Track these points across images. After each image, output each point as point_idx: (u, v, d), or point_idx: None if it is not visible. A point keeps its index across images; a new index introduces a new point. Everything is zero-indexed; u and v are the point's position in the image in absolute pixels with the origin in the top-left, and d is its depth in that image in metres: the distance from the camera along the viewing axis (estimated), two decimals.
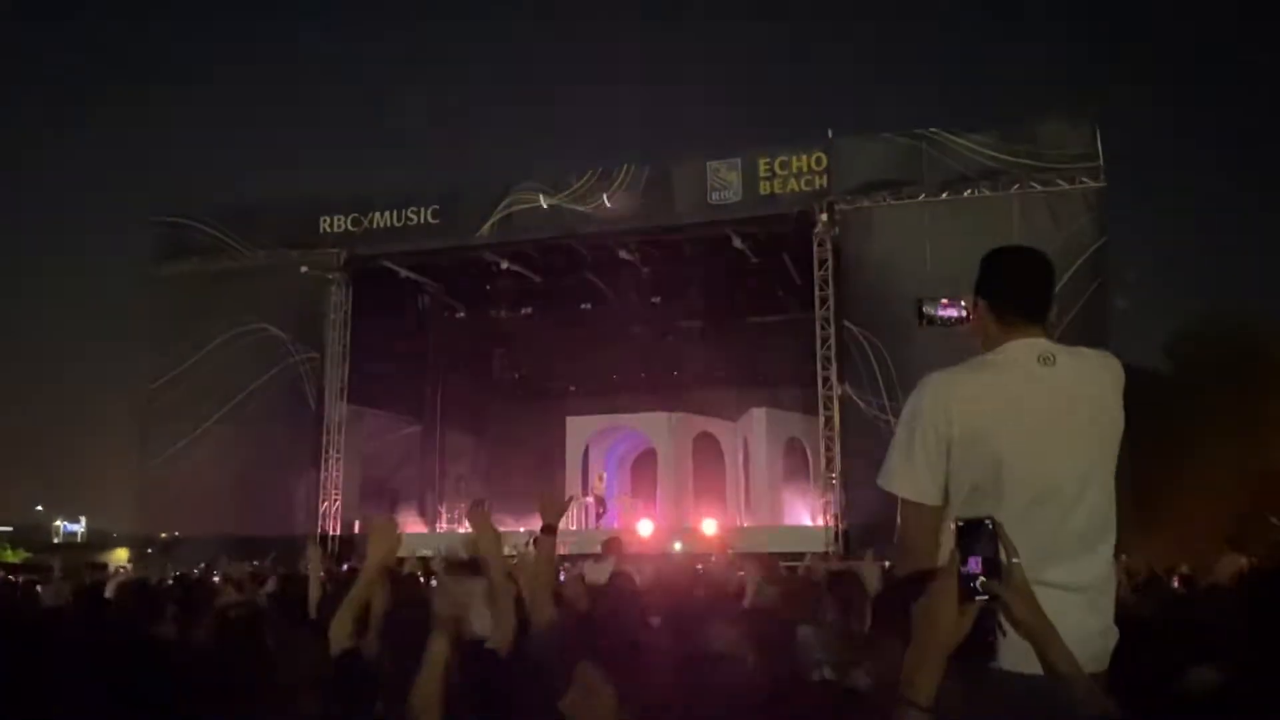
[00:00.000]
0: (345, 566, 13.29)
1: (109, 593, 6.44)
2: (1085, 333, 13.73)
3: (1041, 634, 1.57)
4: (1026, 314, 2.27)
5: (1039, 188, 16.95)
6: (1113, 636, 2.17)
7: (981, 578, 1.56)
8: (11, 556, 26.15)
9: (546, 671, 2.42)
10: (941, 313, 2.49)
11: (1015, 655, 1.91)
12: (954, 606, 1.54)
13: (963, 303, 2.46)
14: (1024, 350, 2.22)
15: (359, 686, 2.61)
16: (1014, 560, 1.57)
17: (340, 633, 2.95)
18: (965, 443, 2.15)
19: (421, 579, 7.26)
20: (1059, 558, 2.10)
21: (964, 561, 1.58)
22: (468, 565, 3.32)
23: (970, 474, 2.16)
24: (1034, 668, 1.91)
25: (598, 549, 8.61)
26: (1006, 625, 1.63)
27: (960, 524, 1.62)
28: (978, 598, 1.56)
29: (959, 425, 2.16)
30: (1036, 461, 2.13)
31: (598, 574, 6.85)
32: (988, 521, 1.61)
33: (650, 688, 2.40)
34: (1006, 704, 1.83)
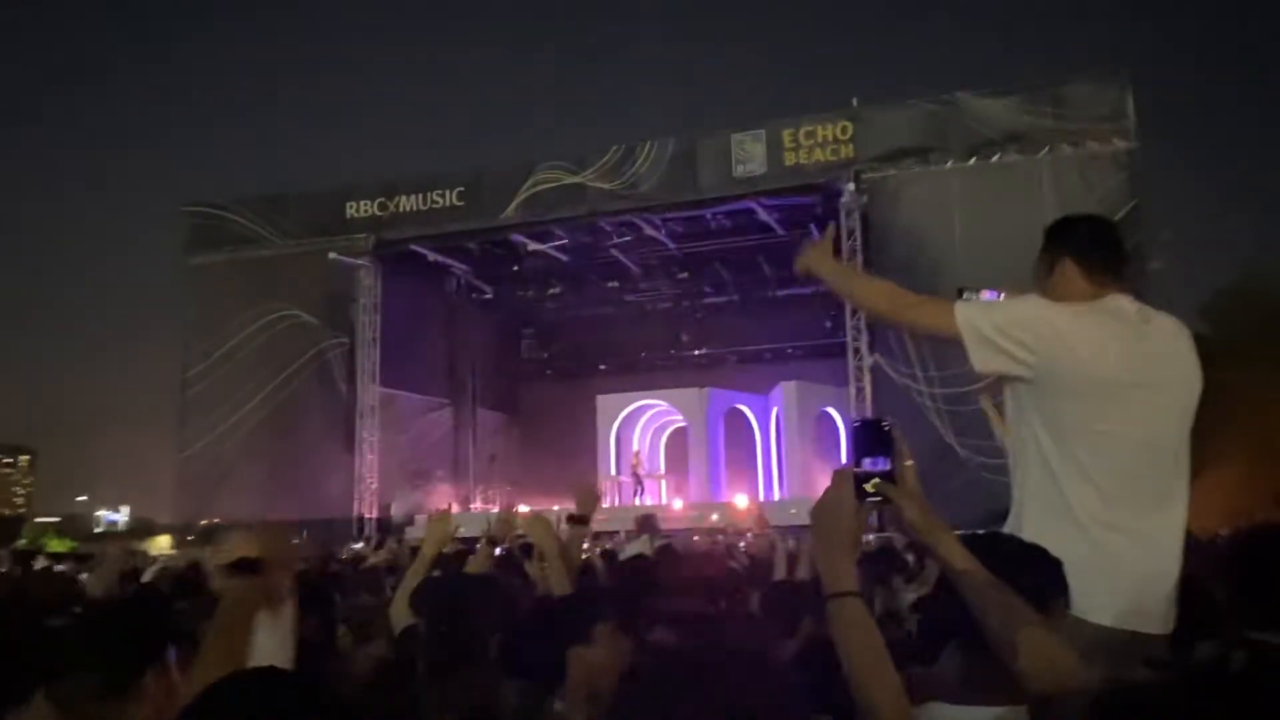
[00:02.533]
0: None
1: (148, 576, 6.53)
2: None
3: (932, 534, 1.60)
4: (1116, 272, 2.30)
5: (1069, 149, 16.70)
6: (1176, 598, 2.18)
7: (875, 479, 1.58)
8: (58, 545, 26.65)
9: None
10: (983, 299, 2.50)
11: (1087, 604, 1.94)
12: (850, 506, 1.57)
13: (1002, 295, 2.48)
14: (1125, 304, 2.25)
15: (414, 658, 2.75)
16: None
17: (400, 612, 3.14)
18: (1074, 378, 2.14)
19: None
20: (1150, 508, 2.14)
21: (859, 462, 1.59)
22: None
23: (1074, 411, 2.15)
24: (1102, 618, 1.98)
25: (631, 526, 8.64)
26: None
27: (857, 424, 1.63)
28: (869, 499, 1.57)
29: (1072, 357, 2.15)
30: (1145, 409, 2.16)
31: (634, 549, 6.90)
32: (885, 423, 1.62)
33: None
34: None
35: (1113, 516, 2.10)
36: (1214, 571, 2.27)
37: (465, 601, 2.76)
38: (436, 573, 3.50)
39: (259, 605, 1.78)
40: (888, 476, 1.58)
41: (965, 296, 2.52)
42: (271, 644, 1.79)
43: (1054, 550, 1.98)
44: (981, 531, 1.71)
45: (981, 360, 2.19)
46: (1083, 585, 1.96)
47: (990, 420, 3.89)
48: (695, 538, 13.50)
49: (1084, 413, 2.14)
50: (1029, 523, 2.17)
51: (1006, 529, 2.18)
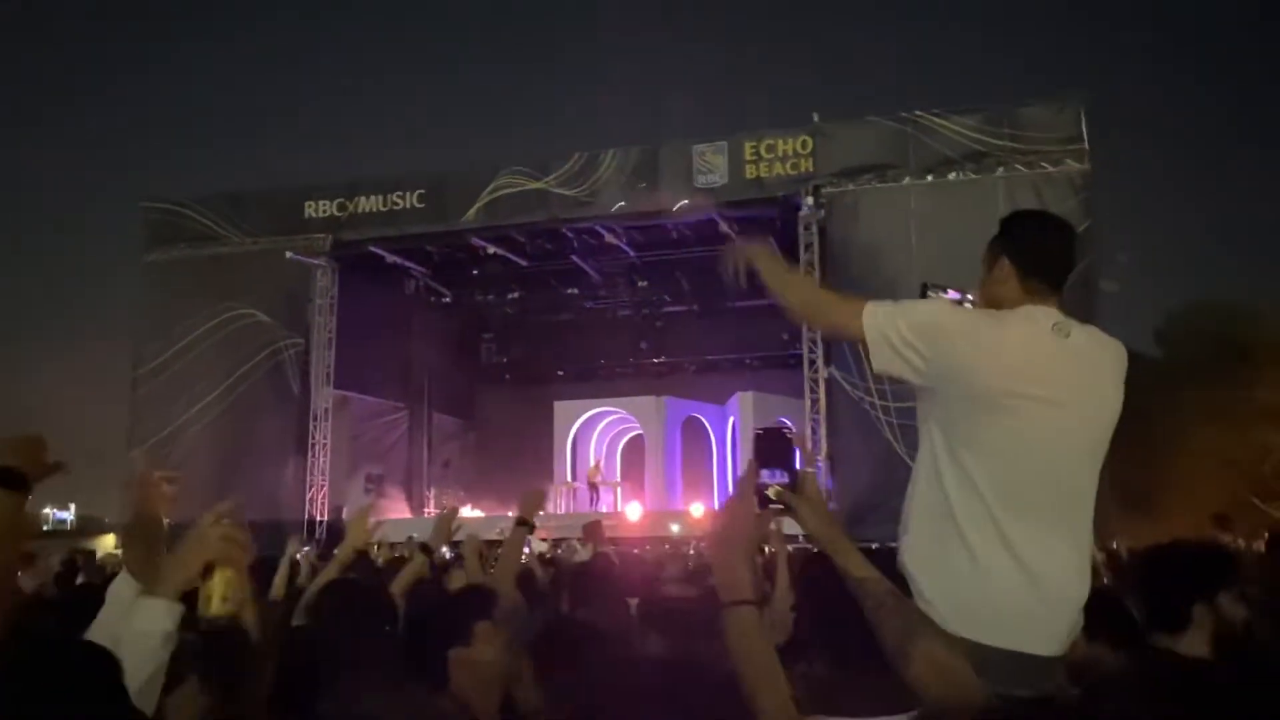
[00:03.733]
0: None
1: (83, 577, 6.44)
2: (1074, 316, 13.76)
3: (831, 541, 1.62)
4: (1050, 281, 2.22)
5: (1024, 170, 16.99)
6: (1080, 620, 2.14)
7: (776, 486, 1.59)
8: None
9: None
10: (946, 296, 2.44)
11: (967, 620, 1.91)
12: (751, 514, 1.58)
13: (970, 297, 2.40)
14: (1041, 315, 2.16)
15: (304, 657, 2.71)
16: (809, 470, 1.61)
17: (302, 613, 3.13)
18: (975, 388, 2.07)
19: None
20: (1044, 528, 2.05)
21: (760, 470, 1.60)
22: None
23: (974, 424, 2.08)
24: (981, 636, 1.91)
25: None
26: None
27: (759, 432, 1.63)
28: (771, 506, 1.59)
29: (972, 366, 2.08)
30: (1044, 425, 2.07)
31: (580, 557, 6.93)
32: (786, 430, 1.64)
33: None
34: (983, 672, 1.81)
35: (999, 533, 2.01)
36: (1126, 587, 2.32)
37: (353, 604, 2.74)
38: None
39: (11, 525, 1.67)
40: (789, 484, 1.59)
41: (930, 293, 2.46)
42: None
43: (936, 564, 1.97)
44: (875, 546, 1.72)
45: (880, 361, 2.13)
46: (963, 601, 1.94)
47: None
48: (647, 547, 13.52)
49: (976, 423, 2.06)
50: (914, 534, 2.09)
51: (897, 540, 2.11)
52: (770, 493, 1.59)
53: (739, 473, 1.65)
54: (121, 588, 1.85)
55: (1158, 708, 1.52)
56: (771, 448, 1.61)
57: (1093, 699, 1.88)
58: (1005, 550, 2.00)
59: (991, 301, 2.27)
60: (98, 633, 1.72)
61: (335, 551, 3.60)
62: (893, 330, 2.12)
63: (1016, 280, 2.22)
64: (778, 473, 1.60)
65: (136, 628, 1.64)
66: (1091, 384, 2.15)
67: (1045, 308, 2.19)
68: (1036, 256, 2.23)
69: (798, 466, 1.60)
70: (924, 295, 2.44)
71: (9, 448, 1.72)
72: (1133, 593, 2.22)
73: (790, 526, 1.66)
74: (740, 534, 1.58)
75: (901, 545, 2.08)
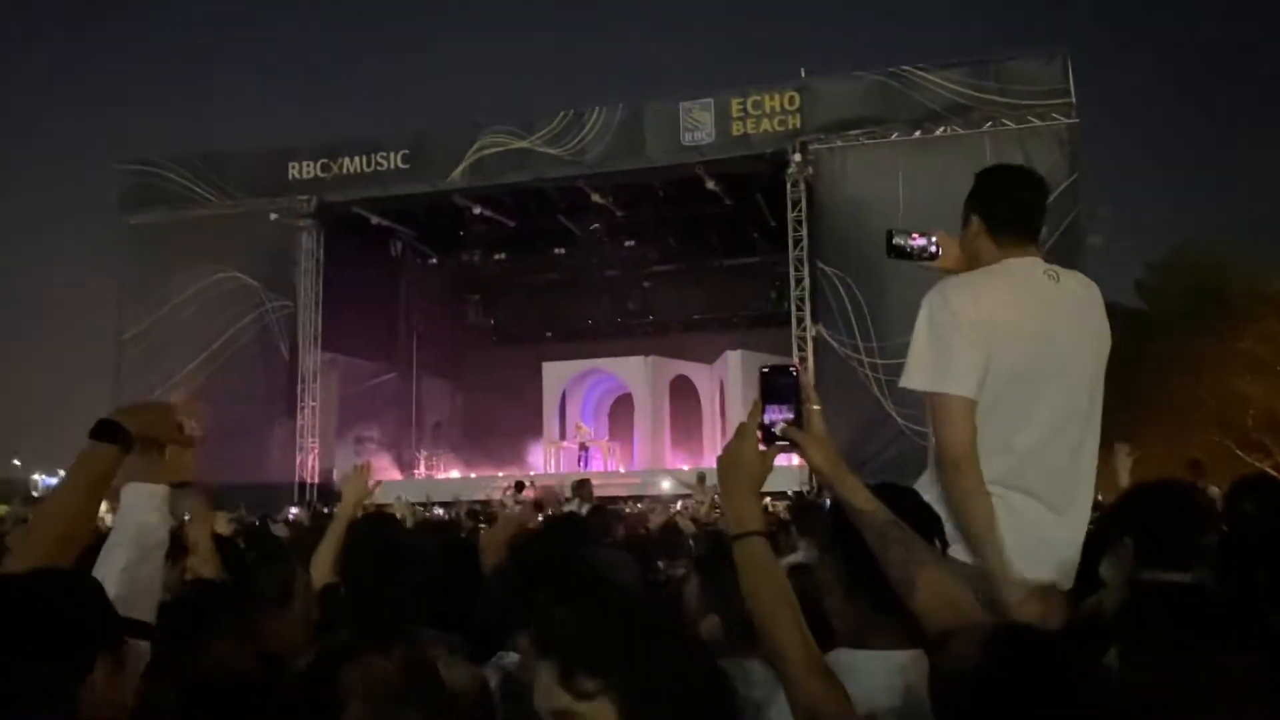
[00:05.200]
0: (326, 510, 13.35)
1: None
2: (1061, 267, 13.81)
3: (837, 477, 1.63)
4: (1022, 233, 2.28)
5: (1011, 124, 16.95)
6: (1077, 560, 2.23)
7: (782, 423, 1.62)
8: None
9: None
10: (911, 243, 2.47)
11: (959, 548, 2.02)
12: (756, 450, 1.61)
13: (934, 237, 2.44)
14: (1030, 266, 2.24)
15: (337, 616, 2.76)
16: (814, 408, 1.63)
17: (321, 569, 3.14)
18: (998, 340, 2.15)
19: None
20: (1058, 468, 2.16)
21: (765, 408, 1.63)
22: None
23: (1000, 370, 2.15)
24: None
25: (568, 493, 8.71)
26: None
27: (765, 370, 1.66)
28: (777, 443, 1.62)
29: (990, 322, 2.15)
30: (1053, 369, 2.17)
31: (572, 508, 7.04)
32: (792, 368, 1.66)
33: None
34: None
35: (1011, 479, 2.12)
36: (1116, 525, 2.38)
37: (391, 559, 2.80)
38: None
39: (107, 479, 1.75)
40: (794, 421, 1.62)
41: (894, 240, 2.50)
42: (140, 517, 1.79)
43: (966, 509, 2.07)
44: (886, 483, 1.76)
45: (969, 386, 2.13)
46: (993, 542, 2.06)
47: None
48: (639, 505, 13.62)
49: (996, 379, 2.15)
50: (931, 478, 2.20)
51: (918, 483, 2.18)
52: (778, 429, 1.61)
53: (730, 434, 1.68)
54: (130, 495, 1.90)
55: (1171, 630, 1.57)
56: (777, 385, 1.63)
57: (1103, 629, 1.95)
58: (1019, 493, 2.13)
59: (971, 257, 2.35)
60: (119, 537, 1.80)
61: (335, 510, 3.62)
62: (947, 360, 2.15)
63: (987, 236, 2.29)
64: (783, 409, 1.62)
65: (131, 518, 1.79)
66: (1085, 325, 2.25)
67: (1029, 258, 2.25)
68: (1004, 212, 2.29)
69: (803, 405, 1.62)
70: (889, 244, 2.49)
71: (138, 413, 1.83)
72: (1125, 532, 2.29)
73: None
74: (746, 468, 1.61)
75: (921, 485, 2.16)
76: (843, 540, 1.65)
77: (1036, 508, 2.12)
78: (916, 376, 2.19)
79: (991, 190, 2.34)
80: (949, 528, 1.97)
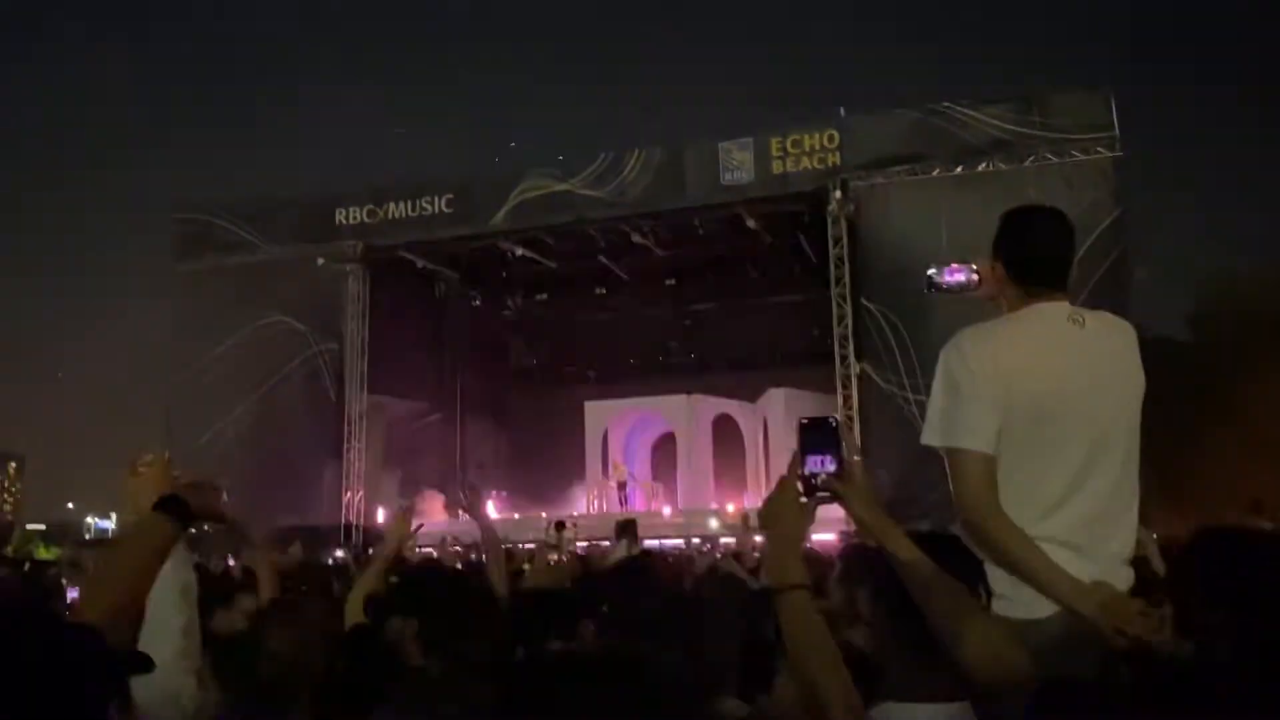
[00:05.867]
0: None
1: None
2: (1105, 303, 13.55)
3: (880, 529, 1.62)
4: (1048, 279, 2.23)
5: (1054, 159, 16.82)
6: None
7: (824, 475, 1.61)
8: (45, 554, 26.43)
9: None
10: (949, 278, 2.45)
11: (1019, 606, 1.98)
12: (798, 503, 1.61)
13: (973, 267, 2.41)
14: (1052, 311, 2.20)
15: (370, 655, 2.79)
16: (855, 458, 1.63)
17: (354, 610, 3.15)
18: (1016, 390, 2.11)
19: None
20: (1090, 515, 2.11)
21: (805, 460, 1.63)
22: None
23: (1019, 420, 2.12)
24: (1038, 612, 1.98)
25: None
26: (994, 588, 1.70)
27: (804, 422, 1.66)
28: (819, 494, 1.61)
29: (1007, 372, 2.12)
30: (1076, 417, 2.12)
31: (617, 555, 6.96)
32: (831, 420, 1.66)
33: None
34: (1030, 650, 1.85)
35: (1037, 528, 2.07)
36: (1177, 573, 2.30)
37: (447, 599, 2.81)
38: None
39: (166, 548, 1.79)
40: (835, 471, 1.62)
41: (932, 275, 2.48)
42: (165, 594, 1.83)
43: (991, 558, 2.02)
44: (924, 529, 1.74)
45: (985, 441, 2.10)
46: (1011, 587, 2.01)
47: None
48: (680, 546, 13.51)
49: (1013, 425, 2.11)
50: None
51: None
52: (819, 481, 1.61)
53: (774, 473, 1.69)
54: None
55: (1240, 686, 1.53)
56: (816, 436, 1.64)
57: (1162, 682, 1.90)
58: (1051, 544, 2.06)
59: (1001, 302, 2.31)
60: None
61: (376, 551, 3.67)
62: (962, 417, 2.13)
63: (1013, 284, 2.26)
64: (824, 460, 1.62)
65: (173, 580, 1.84)
66: (1113, 370, 2.19)
67: (1054, 303, 2.21)
68: (1025, 260, 2.26)
69: (844, 455, 1.62)
70: (928, 280, 2.47)
71: (189, 486, 1.88)
72: (1190, 579, 2.22)
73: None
74: (787, 522, 1.61)
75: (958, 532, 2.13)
76: (887, 591, 1.64)
77: (1067, 556, 2.07)
78: (932, 433, 2.17)
79: (1015, 234, 2.30)
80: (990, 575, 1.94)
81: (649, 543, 10.94)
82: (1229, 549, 2.15)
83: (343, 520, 19.85)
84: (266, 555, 3.98)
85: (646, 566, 3.91)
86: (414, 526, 3.73)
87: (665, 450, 23.41)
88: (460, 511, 23.02)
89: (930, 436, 2.17)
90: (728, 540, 13.43)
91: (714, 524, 18.26)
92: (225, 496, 1.97)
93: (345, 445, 20.34)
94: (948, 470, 2.16)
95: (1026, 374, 2.13)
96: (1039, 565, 2.02)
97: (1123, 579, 2.12)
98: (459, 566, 9.10)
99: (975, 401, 2.11)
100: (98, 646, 1.43)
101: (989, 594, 1.74)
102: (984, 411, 2.10)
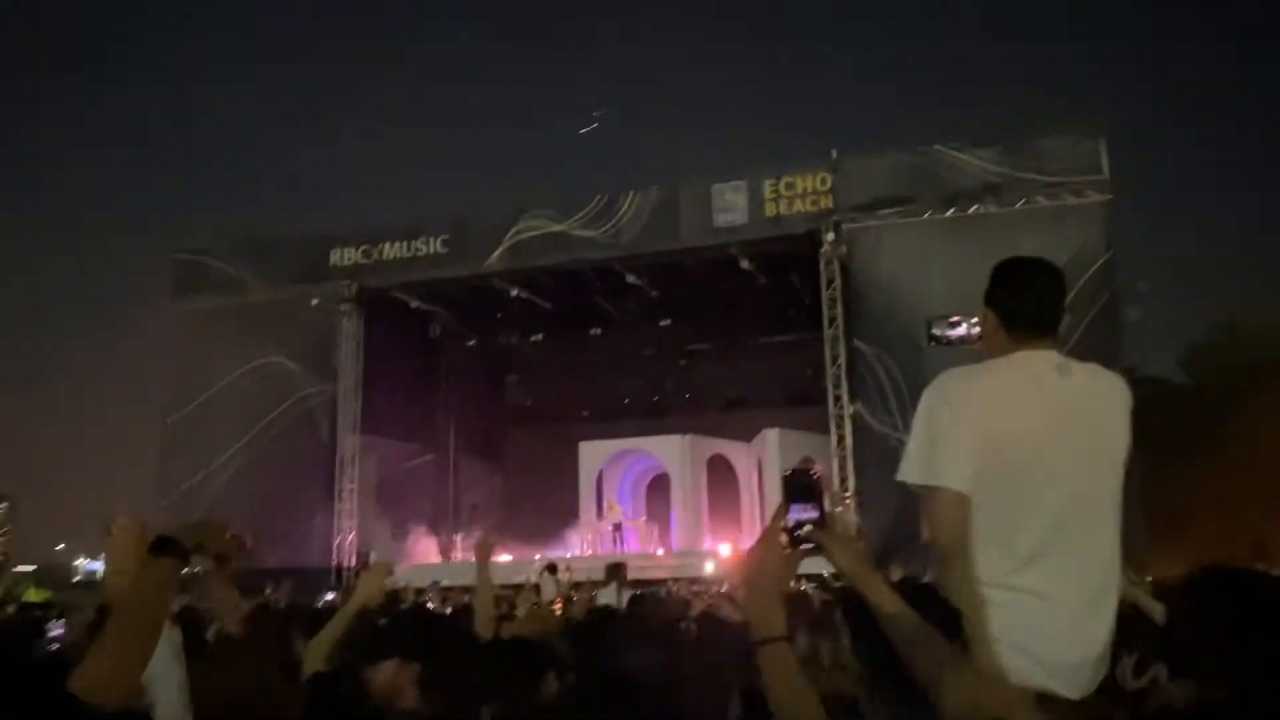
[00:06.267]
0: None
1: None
2: (1098, 345, 13.70)
3: (863, 580, 1.63)
4: (1036, 327, 2.26)
5: (1045, 202, 16.97)
6: (1103, 665, 2.14)
7: (808, 526, 1.62)
8: (34, 595, 26.15)
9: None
10: (950, 332, 2.50)
11: (1008, 671, 1.97)
12: (780, 554, 1.62)
13: (974, 319, 2.46)
14: (1038, 360, 2.22)
15: (328, 705, 2.78)
16: (838, 509, 1.63)
17: (313, 658, 3.14)
18: (996, 434, 2.12)
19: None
20: (1062, 568, 2.09)
21: (789, 511, 1.63)
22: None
23: (996, 466, 2.12)
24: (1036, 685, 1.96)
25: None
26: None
27: (786, 474, 1.66)
28: (803, 546, 1.62)
29: (988, 416, 2.14)
30: (1053, 467, 2.12)
31: (605, 597, 6.92)
32: (813, 471, 1.67)
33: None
34: None
35: (1012, 578, 2.07)
36: (1176, 616, 2.29)
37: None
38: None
39: (168, 593, 1.81)
40: (818, 522, 1.62)
41: (933, 330, 2.52)
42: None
43: (961, 603, 2.01)
44: (904, 578, 1.75)
45: (960, 479, 2.12)
46: (986, 639, 2.00)
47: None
48: (673, 589, 13.41)
49: (993, 473, 2.11)
50: (938, 576, 2.16)
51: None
52: (803, 533, 1.62)
53: (769, 513, 1.69)
54: None
55: None
56: (799, 487, 1.65)
57: None
58: (1024, 594, 2.06)
59: (990, 351, 2.33)
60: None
61: (343, 604, 3.62)
62: (938, 455, 2.15)
63: (1003, 333, 2.29)
64: (807, 510, 1.63)
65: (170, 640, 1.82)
66: (1097, 422, 2.19)
67: (1041, 352, 2.23)
68: (1016, 310, 2.29)
69: (826, 506, 1.63)
70: (928, 334, 2.50)
71: (195, 528, 1.92)
72: (1190, 622, 2.20)
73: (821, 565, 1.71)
74: (770, 573, 1.63)
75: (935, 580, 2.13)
76: (868, 640, 1.65)
77: (1041, 607, 2.06)
78: (910, 469, 2.19)
79: (1005, 285, 2.33)
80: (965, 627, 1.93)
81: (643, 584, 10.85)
82: (1229, 592, 2.15)
83: (334, 562, 19.70)
84: (228, 595, 3.91)
85: (631, 616, 3.88)
86: (387, 583, 3.68)
87: (660, 491, 23.34)
88: (452, 554, 22.97)
89: (907, 473, 2.19)
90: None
91: (708, 567, 18.16)
92: (228, 534, 1.98)
93: (337, 486, 20.25)
94: (922, 508, 2.18)
95: (1007, 419, 2.14)
96: (972, 620, 2.02)
97: (1100, 633, 2.12)
98: (449, 611, 9.03)
99: (954, 442, 2.13)
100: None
101: (964, 644, 1.74)
102: (962, 452, 2.12)
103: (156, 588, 1.78)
